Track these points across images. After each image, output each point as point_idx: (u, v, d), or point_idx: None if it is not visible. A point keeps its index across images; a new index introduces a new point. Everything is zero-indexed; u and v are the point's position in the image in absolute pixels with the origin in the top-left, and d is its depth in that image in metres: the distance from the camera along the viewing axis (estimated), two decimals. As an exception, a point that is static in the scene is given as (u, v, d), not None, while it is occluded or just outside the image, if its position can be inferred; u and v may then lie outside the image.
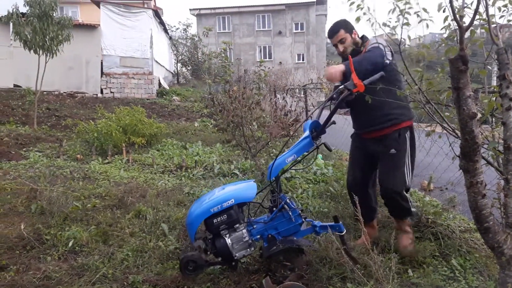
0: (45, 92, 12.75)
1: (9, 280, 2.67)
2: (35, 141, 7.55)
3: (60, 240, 3.25)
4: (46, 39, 8.82)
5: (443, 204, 3.99)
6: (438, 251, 3.22)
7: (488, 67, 2.27)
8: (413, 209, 3.18)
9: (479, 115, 2.40)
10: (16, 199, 4.14)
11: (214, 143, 7.94)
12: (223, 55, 8.46)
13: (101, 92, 14.98)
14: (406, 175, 3.02)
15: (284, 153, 2.71)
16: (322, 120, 2.79)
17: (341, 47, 3.13)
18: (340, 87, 2.62)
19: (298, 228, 2.67)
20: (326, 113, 2.87)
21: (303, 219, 2.69)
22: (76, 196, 4.27)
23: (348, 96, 2.56)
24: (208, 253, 2.70)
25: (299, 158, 2.81)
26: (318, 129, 2.71)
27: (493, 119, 2.51)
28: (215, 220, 2.60)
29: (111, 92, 15.11)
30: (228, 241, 2.61)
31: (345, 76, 2.72)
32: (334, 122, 2.80)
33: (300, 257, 2.67)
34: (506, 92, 1.93)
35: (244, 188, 2.71)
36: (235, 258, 2.63)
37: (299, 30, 37.64)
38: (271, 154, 6.92)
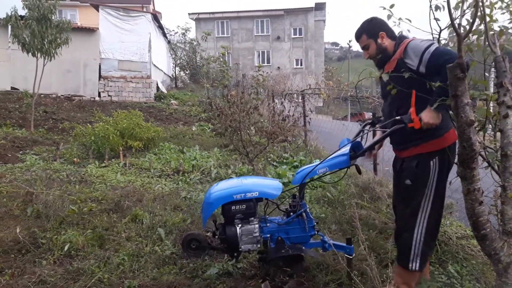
0: (42, 95, 12.73)
1: (4, 284, 2.65)
2: (32, 144, 7.53)
3: (55, 244, 3.23)
4: (45, 42, 8.81)
5: (440, 211, 3.99)
6: (435, 258, 3.22)
7: (486, 74, 2.28)
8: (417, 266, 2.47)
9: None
10: (12, 202, 4.12)
11: (211, 147, 7.93)
12: (221, 59, 8.46)
13: (99, 96, 14.96)
14: (420, 213, 2.44)
15: (317, 163, 2.64)
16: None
17: (365, 54, 2.75)
18: (397, 117, 2.39)
19: (309, 239, 2.67)
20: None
21: (316, 232, 2.69)
22: (73, 199, 4.25)
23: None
24: (216, 237, 2.69)
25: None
26: (358, 151, 2.59)
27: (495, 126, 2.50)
28: (233, 207, 2.63)
29: (108, 95, 15.09)
30: (239, 231, 2.62)
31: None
32: (373, 149, 2.73)
33: (299, 264, 2.67)
34: (503, 100, 1.94)
35: (271, 185, 2.73)
36: (240, 249, 2.64)
37: (297, 36, 37.77)
38: (269, 159, 6.94)
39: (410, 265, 2.46)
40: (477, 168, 1.79)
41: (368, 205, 4.23)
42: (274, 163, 6.77)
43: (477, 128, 2.27)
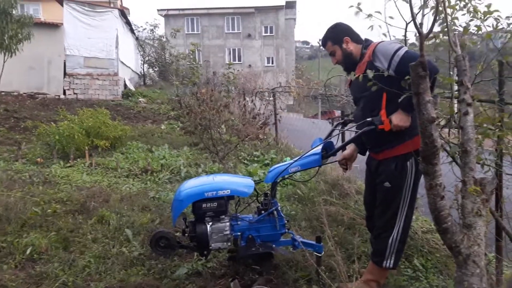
0: (3, 93, 12.22)
1: (-40, 291, 2.53)
2: (-8, 144, 7.22)
3: (17, 248, 3.11)
4: (5, 38, 8.45)
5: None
6: (401, 252, 3.30)
7: (450, 72, 2.35)
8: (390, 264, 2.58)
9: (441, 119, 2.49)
10: (-31, 205, 3.93)
11: (181, 146, 7.84)
12: (191, 56, 8.35)
13: (64, 93, 14.49)
14: (399, 214, 2.53)
15: (289, 162, 2.68)
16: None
17: (333, 60, 2.78)
18: (368, 119, 2.46)
19: (279, 237, 2.68)
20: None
21: (286, 230, 2.69)
22: (36, 201, 4.10)
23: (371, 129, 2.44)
24: (186, 235, 2.66)
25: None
26: (330, 151, 2.64)
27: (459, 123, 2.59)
28: (204, 205, 2.60)
29: (74, 93, 14.63)
30: (209, 229, 2.60)
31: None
32: (345, 149, 2.79)
33: (268, 262, 2.68)
34: (463, 98, 2.01)
35: (243, 183, 2.71)
36: (210, 248, 2.61)
37: (268, 34, 37.86)
38: (240, 157, 6.93)
39: (385, 262, 2.54)
40: (438, 163, 1.84)
41: (337, 202, 4.30)
42: (245, 162, 6.77)
43: (441, 124, 2.34)
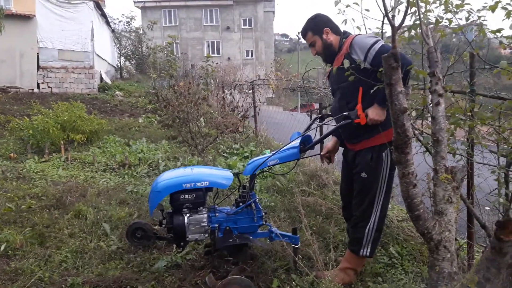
0: (-27, 87, 11.83)
1: None
2: (-38, 139, 6.99)
3: (-10, 245, 3.03)
4: (-26, 29, 8.16)
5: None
6: (378, 240, 3.38)
7: (425, 64, 2.40)
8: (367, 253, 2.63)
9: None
10: None
11: (159, 139, 7.77)
12: (168, 48, 8.27)
13: (38, 87, 14.11)
14: (375, 203, 2.59)
15: (267, 155, 2.69)
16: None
17: (313, 51, 2.79)
18: (345, 113, 2.50)
19: (257, 229, 2.69)
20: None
21: (264, 222, 2.71)
22: (9, 197, 4.01)
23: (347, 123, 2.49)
24: (163, 226, 2.65)
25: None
26: (308, 144, 2.66)
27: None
28: (182, 196, 2.58)
29: (48, 87, 14.26)
30: (187, 220, 2.59)
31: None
32: (323, 142, 2.82)
33: (244, 252, 2.69)
34: (435, 88, 2.06)
35: (221, 176, 2.70)
36: (187, 239, 2.60)
37: (247, 26, 37.69)
38: (219, 150, 6.92)
39: (362, 250, 2.60)
40: (411, 153, 1.89)
41: (315, 192, 4.36)
42: (225, 154, 6.77)
43: (412, 115, 2.40)
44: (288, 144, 2.70)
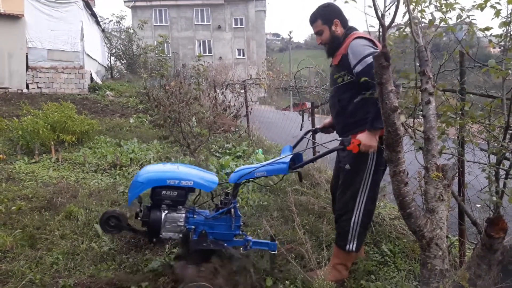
0: (-39, 87, 11.66)
1: None
2: (-50, 141, 6.87)
3: (-20, 247, 2.99)
4: (-39, 29, 8.03)
5: (374, 194, 4.21)
6: (370, 238, 3.41)
7: (417, 63, 2.41)
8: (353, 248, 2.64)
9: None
10: None
11: (151, 139, 7.72)
12: (159, 48, 8.21)
13: (27, 88, 13.94)
14: (358, 197, 2.61)
15: (256, 165, 2.67)
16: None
17: (318, 39, 2.73)
18: (339, 138, 2.54)
19: (232, 237, 2.64)
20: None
21: (240, 232, 2.67)
22: (-1, 199, 3.96)
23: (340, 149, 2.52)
24: (138, 218, 2.61)
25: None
26: (297, 162, 2.66)
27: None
28: (164, 192, 2.54)
29: (38, 87, 14.10)
30: (163, 217, 2.54)
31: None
32: (313, 162, 2.82)
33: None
34: (425, 87, 2.08)
35: (206, 178, 2.66)
36: (160, 236, 2.55)
37: (238, 26, 37.65)
38: (211, 150, 6.90)
39: (348, 246, 2.62)
40: (402, 151, 1.91)
41: (308, 191, 4.37)
42: (217, 154, 6.75)
43: (403, 113, 2.42)
44: (278, 158, 2.70)
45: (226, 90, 10.41)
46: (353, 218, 2.62)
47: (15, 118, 7.32)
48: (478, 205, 2.79)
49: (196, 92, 6.58)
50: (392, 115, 1.78)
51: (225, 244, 2.58)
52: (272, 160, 2.72)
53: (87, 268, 2.86)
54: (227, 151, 6.90)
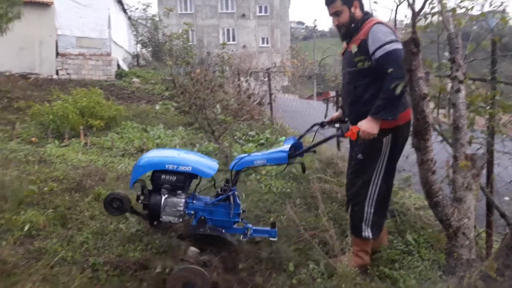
0: (-5, 73, 12.07)
1: (-39, 266, 2.56)
2: (-15, 124, 7.16)
3: (15, 225, 3.12)
4: (-5, 16, 8.26)
5: (399, 184, 4.17)
6: (394, 227, 3.39)
7: (445, 53, 2.36)
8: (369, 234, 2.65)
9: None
10: (-35, 184, 3.93)
11: (176, 126, 7.83)
12: (184, 36, 8.26)
13: (57, 74, 14.30)
14: (371, 186, 2.58)
15: (257, 154, 2.69)
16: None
17: (335, 21, 2.63)
18: (337, 125, 2.55)
19: (231, 224, 2.65)
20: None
21: (240, 220, 2.68)
22: (32, 180, 4.11)
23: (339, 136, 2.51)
24: (139, 201, 2.67)
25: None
26: (298, 151, 2.65)
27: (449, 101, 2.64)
28: (163, 176, 2.58)
29: (67, 73, 14.45)
30: (163, 201, 2.58)
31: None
32: (314, 152, 2.82)
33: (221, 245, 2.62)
34: (455, 75, 2.04)
35: (206, 164, 2.69)
36: (160, 220, 2.60)
37: (263, 14, 37.39)
38: (235, 137, 6.95)
39: (363, 233, 2.61)
40: (430, 139, 1.89)
41: (331, 180, 4.36)
42: (240, 141, 6.80)
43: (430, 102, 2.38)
44: (281, 146, 2.70)
45: (250, 78, 10.42)
46: (365, 208, 2.61)
47: (46, 103, 7.55)
48: (507, 198, 2.74)
49: (221, 80, 6.62)
50: (421, 102, 1.76)
51: (223, 231, 2.59)
52: (274, 149, 2.73)
53: (115, 248, 2.96)
54: (251, 139, 6.94)
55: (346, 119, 2.89)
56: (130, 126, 7.60)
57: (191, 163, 2.60)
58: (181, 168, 2.56)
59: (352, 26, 2.59)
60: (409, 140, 2.26)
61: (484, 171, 2.50)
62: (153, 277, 2.52)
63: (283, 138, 6.83)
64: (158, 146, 6.00)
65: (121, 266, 2.71)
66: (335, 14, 2.61)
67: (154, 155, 2.77)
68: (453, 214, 1.92)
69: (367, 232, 2.63)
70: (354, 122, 2.57)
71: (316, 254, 2.78)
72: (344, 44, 2.75)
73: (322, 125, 3.04)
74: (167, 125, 7.89)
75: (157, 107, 10.14)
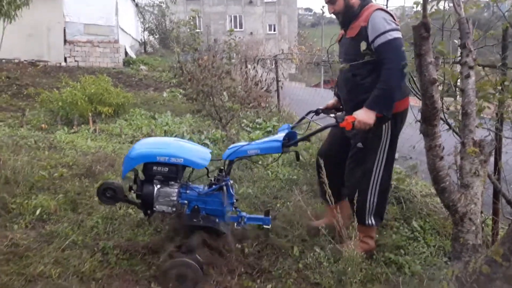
0: (4, 60, 12.13)
1: (-25, 248, 2.63)
2: (-5, 111, 7.24)
3: (26, 209, 3.19)
4: (3, 3, 8.28)
5: (406, 171, 4.18)
6: (400, 214, 3.40)
7: (455, 40, 2.34)
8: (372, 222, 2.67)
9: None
10: (-23, 169, 4.00)
11: (184, 113, 7.86)
12: (191, 23, 8.20)
13: (65, 61, 14.37)
14: (373, 175, 2.58)
15: (250, 143, 2.68)
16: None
17: (330, 9, 2.61)
18: (332, 115, 2.54)
19: (224, 214, 2.66)
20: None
21: (233, 209, 2.70)
22: (42, 165, 4.17)
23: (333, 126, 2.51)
24: (132, 191, 2.68)
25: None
26: (292, 140, 2.64)
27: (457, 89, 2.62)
28: (155, 168, 2.57)
29: (75, 60, 14.50)
30: (156, 191, 2.58)
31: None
32: (309, 140, 2.81)
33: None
34: (465, 60, 2.03)
35: (198, 155, 2.66)
36: (154, 209, 2.62)
37: (270, 0, 37.02)
38: (242, 124, 6.96)
39: (367, 221, 2.63)
40: (438, 125, 1.88)
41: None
42: (248, 129, 6.81)
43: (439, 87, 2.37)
44: (274, 135, 2.70)
45: (257, 65, 10.36)
46: (368, 197, 2.61)
47: (55, 90, 7.60)
48: (514, 185, 2.73)
49: (228, 67, 6.60)
50: (431, 87, 1.75)
51: (216, 220, 2.60)
52: (267, 138, 2.73)
53: (124, 232, 3.01)
54: (258, 126, 6.95)
55: (342, 106, 2.89)
56: (138, 113, 7.64)
57: (182, 155, 2.57)
58: (173, 160, 2.54)
59: (349, 13, 2.57)
60: (417, 126, 2.26)
61: (492, 159, 2.50)
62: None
63: (290, 124, 6.83)
64: (166, 133, 6.04)
65: (130, 250, 2.75)
66: (330, 2, 2.59)
67: (145, 146, 2.71)
68: (459, 200, 1.92)
69: (371, 221, 2.66)
70: (353, 110, 2.57)
71: (323, 239, 2.82)
72: (341, 31, 2.73)
73: (317, 112, 3.02)
74: (175, 112, 7.91)
75: (165, 94, 10.17)
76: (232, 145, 2.74)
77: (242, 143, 2.75)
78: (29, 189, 3.59)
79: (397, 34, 2.36)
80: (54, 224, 3.06)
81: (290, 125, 2.81)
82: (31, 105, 7.95)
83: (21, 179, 3.69)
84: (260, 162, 4.50)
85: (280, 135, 2.61)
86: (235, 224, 2.76)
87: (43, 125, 6.24)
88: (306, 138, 2.70)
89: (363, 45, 2.37)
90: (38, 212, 3.17)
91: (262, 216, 2.81)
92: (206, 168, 2.73)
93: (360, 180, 2.60)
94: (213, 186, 2.64)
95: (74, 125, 6.23)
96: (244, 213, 2.78)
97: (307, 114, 3.01)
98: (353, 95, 2.63)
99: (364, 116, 2.37)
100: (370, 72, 2.48)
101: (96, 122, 6.44)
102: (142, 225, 3.11)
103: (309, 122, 2.99)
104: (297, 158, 2.95)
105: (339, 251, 2.45)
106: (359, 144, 2.56)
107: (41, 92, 7.81)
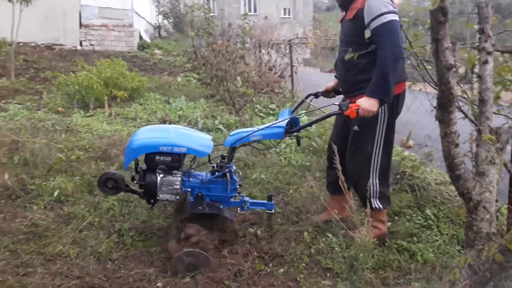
0: (21, 43, 12.25)
1: (-4, 227, 2.72)
2: (14, 94, 7.33)
3: (45, 190, 3.27)
4: (20, -13, 8.33)
5: (421, 159, 4.14)
6: (414, 202, 3.40)
7: (475, 26, 2.29)
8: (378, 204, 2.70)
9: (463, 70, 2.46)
10: (-3, 151, 4.10)
11: (197, 98, 7.88)
12: (206, 6, 8.14)
13: (81, 45, 14.46)
14: (372, 159, 2.61)
15: (252, 129, 2.68)
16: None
17: None
18: (336, 102, 2.52)
19: (228, 199, 2.68)
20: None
21: (237, 194, 2.72)
22: (60, 148, 4.25)
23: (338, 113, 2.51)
24: (134, 181, 2.70)
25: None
26: (294, 127, 2.62)
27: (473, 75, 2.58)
28: (157, 157, 2.57)
29: (90, 44, 14.58)
30: (159, 180, 2.58)
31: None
32: (310, 126, 2.81)
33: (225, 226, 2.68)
34: (484, 46, 1.99)
35: (201, 143, 2.66)
36: (158, 198, 2.63)
37: (285, -17, 36.45)
38: (256, 110, 6.96)
39: (373, 205, 2.64)
40: (454, 111, 1.86)
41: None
42: (261, 114, 6.81)
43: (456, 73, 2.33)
44: (275, 122, 2.69)
45: (271, 50, 10.28)
46: (370, 180, 2.64)
47: (71, 73, 7.67)
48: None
49: (242, 52, 6.57)
50: (447, 73, 1.72)
51: (221, 206, 2.62)
52: (269, 124, 2.71)
53: (140, 215, 3.08)
54: (271, 112, 6.93)
55: (341, 89, 2.91)
56: (153, 97, 7.68)
57: (185, 144, 2.56)
58: (176, 150, 2.54)
59: None
60: (433, 114, 2.23)
61: (509, 147, 2.46)
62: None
63: (303, 112, 6.81)
64: (180, 117, 6.07)
65: (145, 232, 2.83)
66: None
67: (147, 136, 2.69)
68: (474, 188, 1.90)
69: (377, 204, 2.67)
70: (349, 90, 2.65)
71: (335, 225, 2.83)
72: (343, 12, 2.74)
73: (316, 95, 3.04)
74: (189, 97, 7.93)
75: (179, 79, 10.18)
76: (233, 132, 2.74)
77: (244, 129, 2.76)
78: (47, 171, 3.68)
79: (393, 17, 2.35)
80: (71, 205, 3.13)
81: (290, 109, 2.83)
82: (48, 88, 8.05)
83: (40, 161, 3.77)
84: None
85: (283, 121, 2.62)
86: (238, 209, 2.79)
87: (60, 108, 6.32)
88: (309, 125, 2.71)
89: (367, 33, 2.39)
90: (56, 193, 3.24)
91: (265, 201, 2.84)
92: (208, 155, 2.73)
93: (361, 165, 2.65)
94: (216, 173, 2.66)
95: (90, 109, 6.30)
96: (247, 198, 2.82)
97: (306, 97, 3.03)
98: (349, 75, 2.67)
99: (368, 103, 2.39)
100: (366, 53, 2.49)
101: (111, 106, 6.50)
102: (157, 208, 3.16)
103: (308, 105, 3.00)
104: (298, 143, 2.99)
105: (351, 237, 2.46)
106: (355, 127, 2.60)
107: (57, 75, 7.90)
